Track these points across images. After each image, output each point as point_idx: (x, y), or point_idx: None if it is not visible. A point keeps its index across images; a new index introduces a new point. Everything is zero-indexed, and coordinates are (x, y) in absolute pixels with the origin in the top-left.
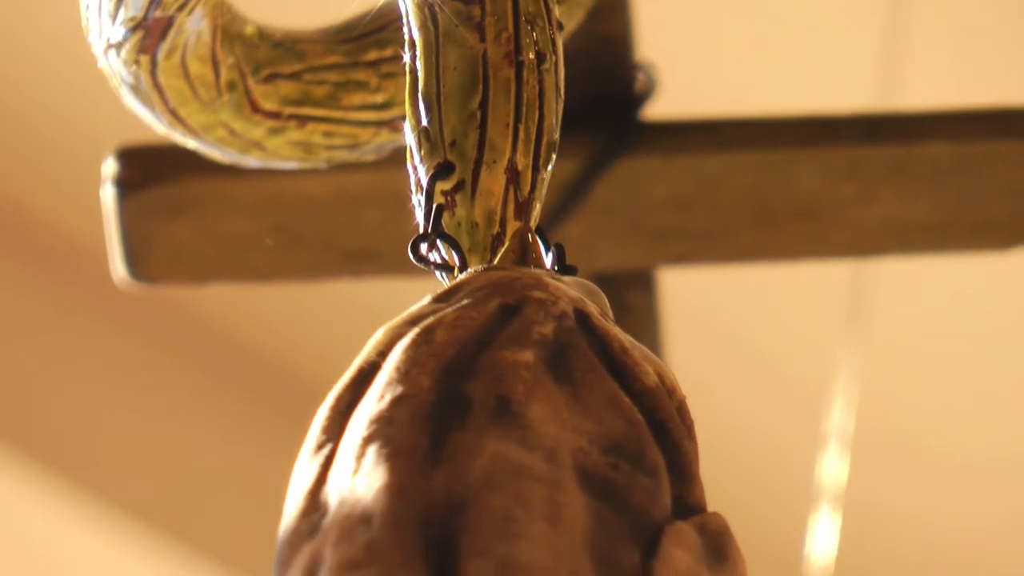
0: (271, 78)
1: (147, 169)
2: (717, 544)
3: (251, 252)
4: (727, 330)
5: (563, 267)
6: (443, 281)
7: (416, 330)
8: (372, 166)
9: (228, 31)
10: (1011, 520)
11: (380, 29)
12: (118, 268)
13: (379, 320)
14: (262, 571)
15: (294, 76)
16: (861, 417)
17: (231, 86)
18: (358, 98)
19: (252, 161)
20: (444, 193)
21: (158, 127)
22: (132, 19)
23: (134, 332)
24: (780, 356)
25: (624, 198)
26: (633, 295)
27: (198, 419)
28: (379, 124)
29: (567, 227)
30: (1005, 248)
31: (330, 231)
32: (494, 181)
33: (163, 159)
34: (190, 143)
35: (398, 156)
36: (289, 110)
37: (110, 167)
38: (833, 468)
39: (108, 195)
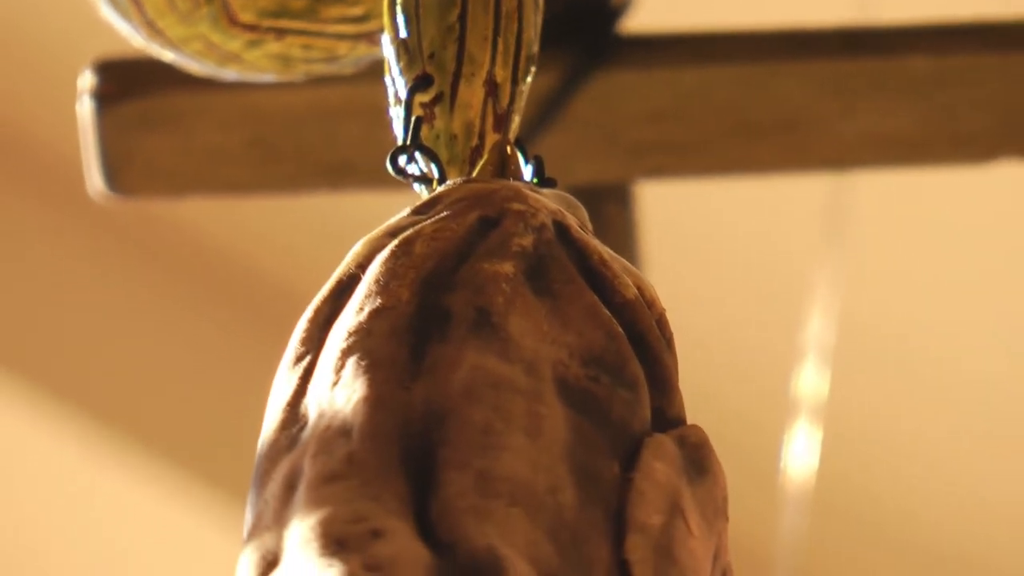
0: None
1: (124, 82)
2: (697, 457)
3: (229, 165)
4: (706, 243)
5: (542, 179)
6: (422, 193)
7: (395, 242)
8: (350, 79)
9: None
10: (994, 431)
11: None
12: (95, 181)
13: (361, 231)
14: (242, 484)
15: None
16: (842, 330)
17: None
18: (336, 11)
19: (230, 74)
20: (423, 105)
21: (135, 40)
22: None
23: (114, 244)
24: (760, 269)
25: (601, 112)
26: (610, 209)
27: (178, 330)
28: (357, 37)
29: (544, 141)
30: (985, 161)
31: (307, 145)
32: (473, 94)
33: (140, 72)
34: (168, 56)
35: (375, 69)
36: (267, 23)
37: (87, 80)
38: (813, 381)
39: (85, 108)
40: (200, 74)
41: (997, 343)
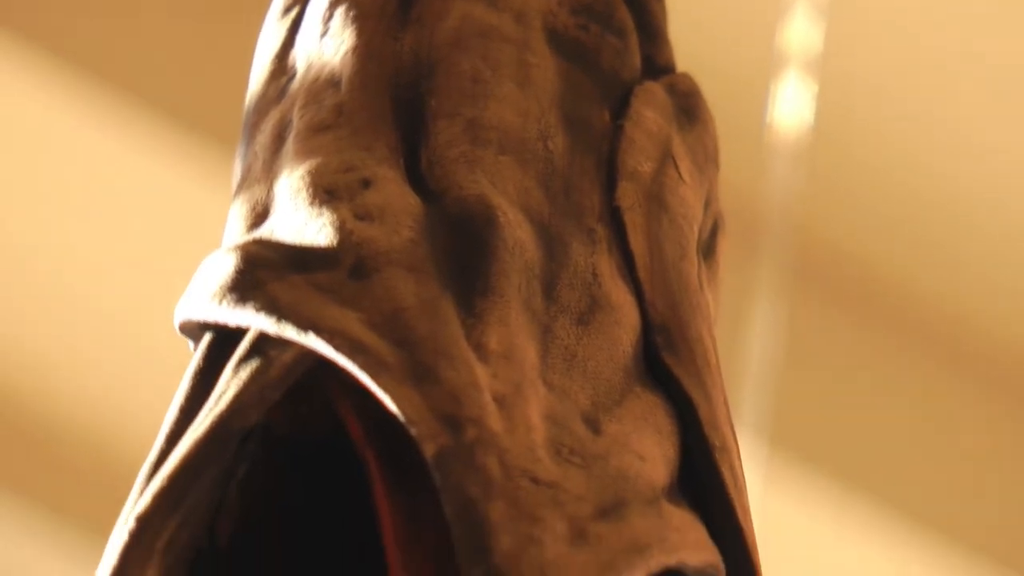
0: None
1: None
2: (687, 104)
3: None
4: None
5: None
6: None
7: None
8: None
9: None
10: (991, 87)
11: None
12: None
13: None
14: (231, 137)
15: None
16: None
17: None
18: None
19: None
20: None
21: None
22: None
23: None
24: None
25: None
26: None
27: None
28: None
29: None
30: None
31: None
32: None
33: None
34: None
35: None
36: None
37: None
38: (804, 34)
39: None
40: None
41: (999, 13)
